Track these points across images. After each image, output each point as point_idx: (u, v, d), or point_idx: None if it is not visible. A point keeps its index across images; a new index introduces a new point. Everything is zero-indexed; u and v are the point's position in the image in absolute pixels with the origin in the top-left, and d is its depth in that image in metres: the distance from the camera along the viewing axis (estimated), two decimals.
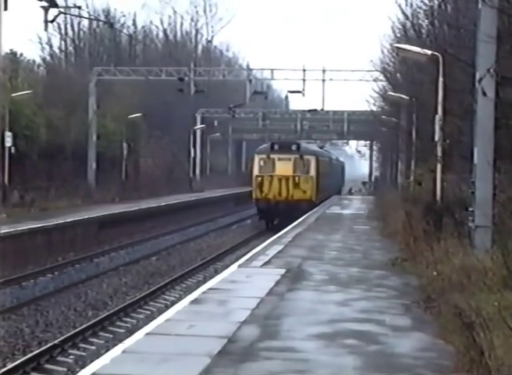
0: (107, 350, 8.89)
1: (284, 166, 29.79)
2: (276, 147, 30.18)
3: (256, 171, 30.11)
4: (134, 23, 52.42)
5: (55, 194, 28.89)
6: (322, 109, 41.78)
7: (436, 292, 8.98)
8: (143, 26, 54.08)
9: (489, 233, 10.92)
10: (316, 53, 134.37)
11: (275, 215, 29.59)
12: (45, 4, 22.99)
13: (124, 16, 50.87)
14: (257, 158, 30.45)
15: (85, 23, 47.28)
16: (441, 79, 14.34)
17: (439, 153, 14.66)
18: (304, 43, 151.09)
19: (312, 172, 30.18)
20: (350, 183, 60.51)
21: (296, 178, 29.77)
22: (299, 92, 37.60)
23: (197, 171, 47.98)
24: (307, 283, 10.55)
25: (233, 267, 12.02)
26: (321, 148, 42.74)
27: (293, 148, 30.20)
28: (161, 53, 51.78)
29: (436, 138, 14.70)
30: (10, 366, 9.90)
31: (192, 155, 46.02)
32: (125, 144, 37.18)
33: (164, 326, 7.65)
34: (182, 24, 57.01)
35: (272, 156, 29.91)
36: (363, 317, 8.25)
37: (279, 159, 29.89)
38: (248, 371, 6.07)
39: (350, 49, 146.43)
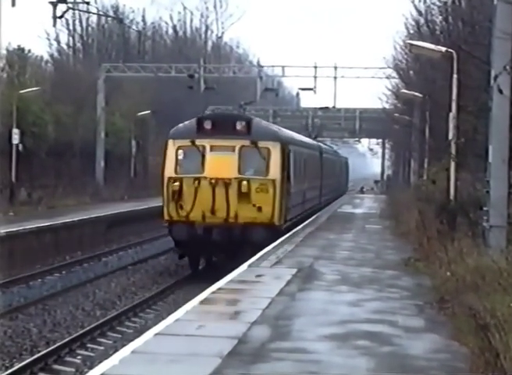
0: (115, 350, 8.80)
1: (221, 162, 16.01)
2: (207, 125, 16.14)
3: (170, 170, 16.31)
4: (143, 19, 52.42)
5: (62, 192, 28.87)
6: (334, 107, 41.54)
7: (450, 293, 8.87)
8: (152, 22, 54.07)
9: (504, 233, 10.77)
10: (328, 50, 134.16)
11: (206, 250, 16.42)
12: None
13: (133, 11, 50.82)
14: (172, 146, 16.39)
15: (93, 18, 47.29)
16: (455, 76, 14.16)
17: (453, 151, 14.50)
18: (316, 40, 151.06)
19: (274, 172, 16.29)
20: (361, 182, 60.22)
21: (244, 184, 15.91)
22: (310, 89, 37.38)
23: None
24: (318, 284, 10.45)
25: (243, 267, 11.92)
26: (315, 137, 32.93)
27: (239, 126, 16.17)
28: (171, 49, 51.71)
29: (450, 136, 14.53)
30: (18, 366, 9.85)
31: None
32: (133, 142, 37.15)
33: (173, 327, 7.56)
34: (192, 20, 56.97)
35: (199, 143, 16.07)
36: (375, 318, 8.15)
37: (213, 149, 16.07)
38: (259, 372, 5.98)
39: (363, 46, 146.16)
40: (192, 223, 16.34)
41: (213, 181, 16.29)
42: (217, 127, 16.47)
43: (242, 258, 13.19)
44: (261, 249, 13.88)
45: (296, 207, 20.02)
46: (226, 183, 16.30)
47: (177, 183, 16.34)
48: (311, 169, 24.08)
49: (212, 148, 16.49)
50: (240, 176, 16.41)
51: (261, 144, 16.58)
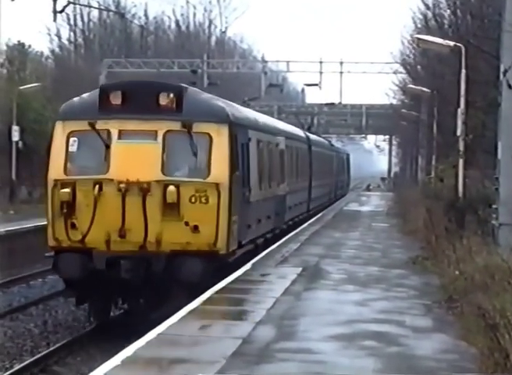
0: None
1: (136, 156, 10.58)
2: (115, 98, 10.76)
3: (56, 169, 10.79)
4: (146, 14, 52.28)
5: None
6: (340, 103, 41.46)
7: (458, 292, 8.77)
8: (154, 17, 53.93)
9: None
10: (333, 45, 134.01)
11: (112, 294, 10.91)
12: None
13: (135, 6, 50.76)
14: (61, 131, 10.97)
15: (95, 13, 47.18)
16: (463, 71, 14.00)
17: (462, 148, 14.35)
18: (321, 34, 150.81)
19: (219, 171, 10.63)
20: (368, 180, 60.08)
21: (171, 190, 10.38)
22: (316, 85, 37.25)
23: None
24: (324, 283, 10.34)
25: (248, 266, 11.81)
26: (308, 128, 27.80)
27: (165, 100, 10.74)
28: (174, 44, 51.58)
29: (458, 133, 14.38)
30: (17, 367, 9.73)
31: None
32: None
33: (177, 327, 7.46)
34: (195, 15, 56.79)
35: (102, 126, 10.67)
36: (382, 318, 8.04)
37: (124, 135, 10.68)
38: (263, 373, 5.89)
39: (369, 41, 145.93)
40: (89, 252, 10.30)
41: (123, 186, 10.12)
42: (130, 102, 10.42)
43: (170, 305, 9.27)
44: (199, 290, 9.07)
45: (264, 222, 13.53)
46: (143, 190, 10.14)
47: (67, 190, 10.26)
48: (294, 167, 18.06)
49: (122, 134, 10.36)
50: (164, 178, 10.23)
51: (199, 127, 10.35)
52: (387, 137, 56.43)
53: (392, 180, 51.76)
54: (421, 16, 23.46)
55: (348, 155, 42.20)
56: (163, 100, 10.67)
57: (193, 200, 10.34)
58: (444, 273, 10.28)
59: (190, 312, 8.12)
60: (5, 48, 32.26)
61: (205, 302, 8.71)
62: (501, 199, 10.83)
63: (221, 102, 11.37)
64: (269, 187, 14.44)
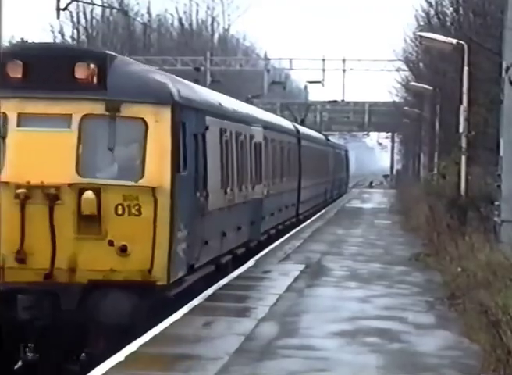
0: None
1: (41, 150, 7.56)
2: (14, 69, 7.63)
3: None
4: (149, 11, 52.19)
5: None
6: (343, 100, 41.43)
7: (461, 289, 8.80)
8: (157, 15, 53.87)
9: None
10: (336, 42, 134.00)
11: (9, 340, 7.42)
12: None
13: (138, 3, 50.60)
14: None
15: (98, 11, 47.16)
16: (466, 68, 14.00)
17: (464, 145, 14.35)
18: (324, 32, 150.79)
19: (157, 170, 7.63)
20: (370, 177, 60.02)
21: (89, 198, 7.43)
22: (318, 82, 37.22)
23: None
24: (326, 280, 10.38)
25: (251, 263, 11.83)
26: (301, 122, 24.37)
27: (83, 72, 7.63)
28: (177, 42, 51.58)
29: (461, 130, 14.38)
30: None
31: None
32: None
33: (180, 324, 7.47)
34: (198, 12, 56.78)
35: None
36: (385, 314, 8.07)
37: (24, 120, 7.65)
38: (266, 370, 5.90)
39: (372, 38, 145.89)
40: None
41: (21, 192, 7.55)
42: (34, 75, 7.74)
43: (88, 354, 7.40)
44: (129, 334, 7.03)
45: (230, 236, 10.73)
46: (51, 197, 7.56)
47: None
48: (277, 164, 15.51)
49: (22, 119, 7.77)
50: (80, 180, 7.65)
51: (130, 109, 7.71)
52: (389, 134, 56.41)
53: (395, 178, 51.74)
54: (423, 14, 23.48)
55: (347, 151, 39.12)
56: (81, 72, 7.60)
57: (119, 211, 7.47)
58: (446, 270, 10.29)
59: (194, 309, 8.14)
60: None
61: (208, 299, 8.74)
62: (503, 196, 10.83)
63: (163, 76, 8.28)
64: (239, 191, 11.41)
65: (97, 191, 7.50)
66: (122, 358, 6.15)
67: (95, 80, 7.69)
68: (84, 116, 7.70)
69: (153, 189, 7.56)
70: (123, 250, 7.47)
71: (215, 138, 9.86)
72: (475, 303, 7.46)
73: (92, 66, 7.69)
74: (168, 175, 7.68)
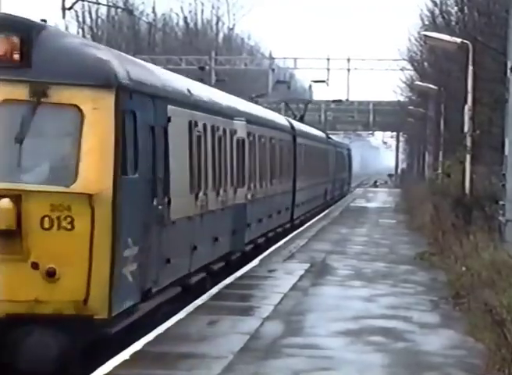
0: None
1: None
2: None
3: None
4: (154, 11, 52.31)
5: None
6: (347, 99, 41.42)
7: (465, 288, 8.78)
8: (163, 14, 53.98)
9: None
10: (341, 41, 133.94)
11: None
12: None
13: (143, 3, 50.75)
14: None
15: (103, 10, 47.32)
16: (471, 67, 13.98)
17: (469, 144, 14.33)
18: (328, 31, 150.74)
19: (96, 172, 5.97)
20: (375, 176, 59.93)
21: (6, 207, 5.79)
22: (323, 82, 37.19)
23: None
24: (331, 279, 10.38)
25: (255, 262, 11.84)
26: (300, 118, 22.31)
27: (4, 45, 5.98)
28: (182, 41, 51.68)
29: (466, 129, 14.36)
30: None
31: None
32: None
33: (184, 322, 7.48)
34: (202, 12, 56.86)
35: None
36: (389, 313, 8.07)
37: None
38: (271, 369, 5.91)
39: (376, 38, 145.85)
40: None
41: None
42: None
43: None
44: None
45: (202, 249, 9.08)
46: None
47: None
48: (265, 164, 13.84)
49: None
50: None
51: (61, 94, 6.20)
52: (394, 133, 56.33)
53: (400, 177, 51.67)
54: (428, 13, 23.48)
55: (349, 150, 36.73)
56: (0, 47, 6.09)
57: (46, 224, 5.95)
58: (451, 269, 10.28)
59: (198, 308, 8.16)
60: None
61: (213, 298, 8.76)
62: (508, 195, 10.80)
63: (106, 52, 6.65)
64: (216, 195, 9.75)
65: (17, 198, 5.88)
66: (127, 357, 6.17)
67: (17, 56, 6.07)
68: (2, 102, 6.08)
69: (89, 196, 5.95)
70: (51, 275, 5.88)
71: (181, 133, 8.03)
72: (480, 302, 7.45)
73: (14, 38, 6.07)
74: (110, 178, 6.03)
